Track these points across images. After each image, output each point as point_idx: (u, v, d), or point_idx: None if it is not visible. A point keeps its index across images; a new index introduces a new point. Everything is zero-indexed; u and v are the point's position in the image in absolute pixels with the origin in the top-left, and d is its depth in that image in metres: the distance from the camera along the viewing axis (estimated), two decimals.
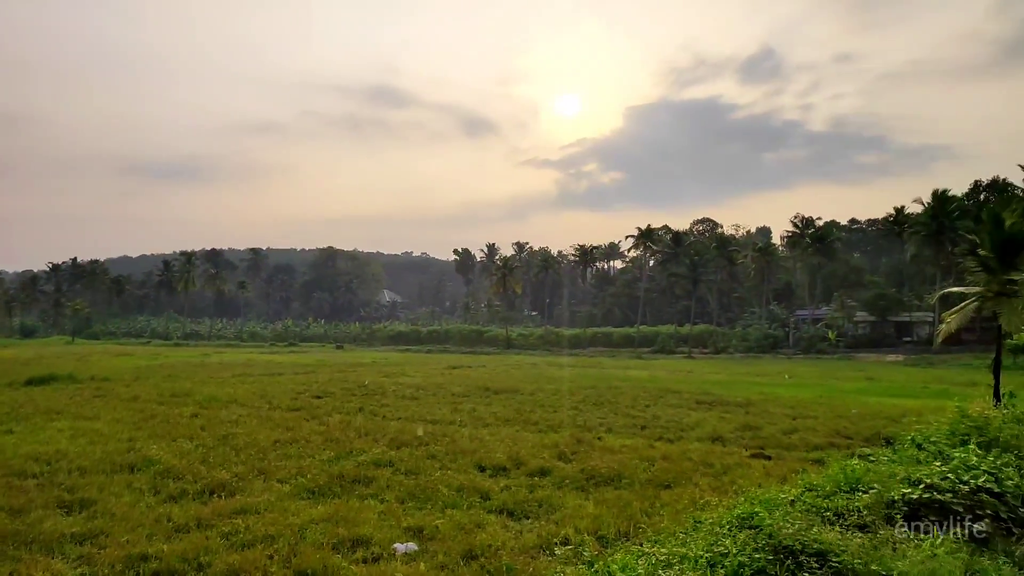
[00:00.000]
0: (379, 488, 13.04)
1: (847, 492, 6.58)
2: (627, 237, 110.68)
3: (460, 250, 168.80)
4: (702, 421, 26.73)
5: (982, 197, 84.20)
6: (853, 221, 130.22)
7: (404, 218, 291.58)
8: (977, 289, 26.67)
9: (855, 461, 8.58)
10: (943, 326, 28.76)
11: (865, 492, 6.16)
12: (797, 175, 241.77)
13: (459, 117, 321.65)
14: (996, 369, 26.00)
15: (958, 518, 5.42)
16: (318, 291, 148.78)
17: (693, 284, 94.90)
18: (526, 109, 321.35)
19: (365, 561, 8.59)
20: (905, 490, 5.75)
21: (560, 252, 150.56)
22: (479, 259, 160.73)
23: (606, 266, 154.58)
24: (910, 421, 19.15)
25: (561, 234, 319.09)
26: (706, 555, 4.25)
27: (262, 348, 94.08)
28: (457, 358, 75.98)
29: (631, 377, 50.50)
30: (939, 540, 4.92)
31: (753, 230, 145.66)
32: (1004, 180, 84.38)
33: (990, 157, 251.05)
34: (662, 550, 4.60)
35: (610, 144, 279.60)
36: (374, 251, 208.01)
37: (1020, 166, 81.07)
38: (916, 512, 5.55)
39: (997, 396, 21.79)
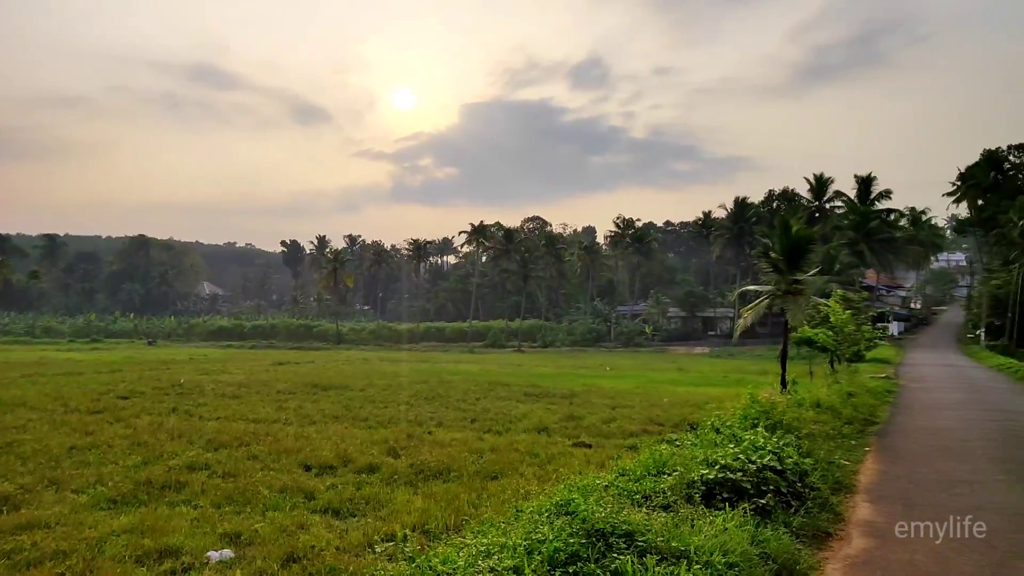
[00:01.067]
0: (192, 493, 12.19)
1: (654, 475, 7.08)
2: (460, 232, 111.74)
3: (288, 241, 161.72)
4: (529, 413, 27.60)
5: (775, 205, 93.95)
6: (668, 223, 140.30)
7: (228, 206, 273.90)
8: (769, 288, 29.72)
9: (663, 446, 9.22)
10: (740, 321, 31.74)
11: (669, 475, 6.68)
12: (620, 179, 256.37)
13: (291, 103, 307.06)
14: (783, 360, 29.12)
15: (747, 495, 6.04)
16: (128, 282, 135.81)
17: (524, 280, 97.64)
18: (361, 99, 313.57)
19: (174, 572, 7.99)
20: (703, 471, 6.31)
21: (394, 246, 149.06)
22: (309, 251, 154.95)
23: (440, 261, 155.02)
24: (712, 408, 21.07)
25: (395, 228, 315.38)
26: (524, 542, 4.39)
27: (59, 345, 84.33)
28: (284, 354, 72.68)
29: (463, 371, 51.01)
30: (730, 515, 5.44)
31: (580, 229, 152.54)
32: (793, 191, 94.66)
33: (784, 169, 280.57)
34: (483, 540, 4.70)
35: (446, 140, 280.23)
36: (193, 240, 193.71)
37: (806, 179, 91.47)
38: (712, 491, 6.11)
39: (784, 383, 24.45)
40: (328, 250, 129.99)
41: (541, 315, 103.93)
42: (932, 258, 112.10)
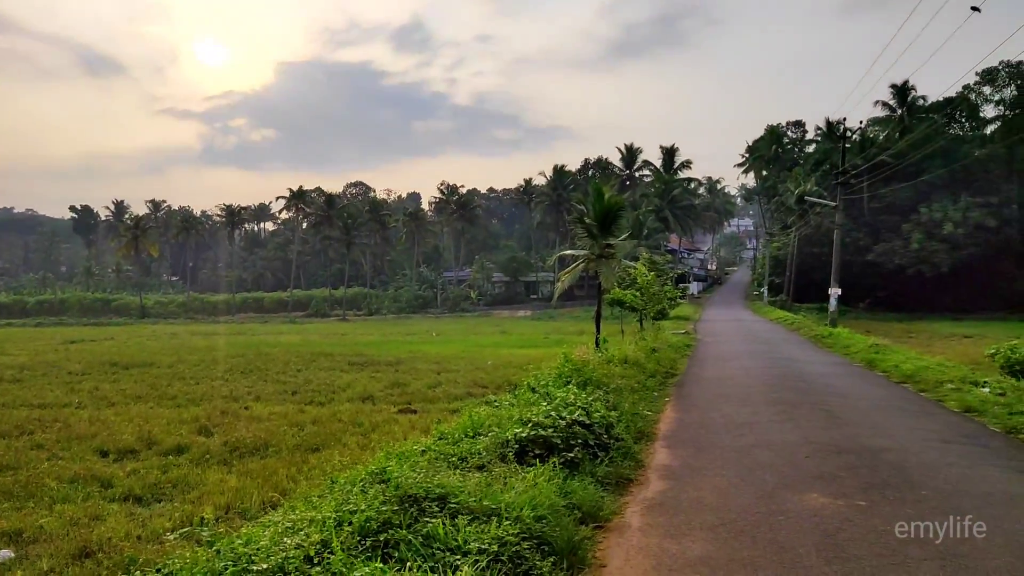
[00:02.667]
0: None
1: (472, 437, 7.24)
2: (278, 198, 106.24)
3: (79, 207, 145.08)
4: (353, 382, 27.20)
5: (590, 173, 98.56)
6: (491, 190, 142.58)
7: (3, 167, 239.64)
8: (584, 252, 31.31)
9: (482, 408, 9.43)
10: (559, 284, 33.18)
11: (486, 435, 6.86)
12: (445, 145, 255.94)
13: (77, 53, 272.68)
14: (597, 320, 30.87)
15: (557, 450, 6.35)
16: None
17: (347, 247, 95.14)
18: (162, 52, 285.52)
19: None
20: (517, 430, 6.54)
21: (204, 212, 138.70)
22: (104, 218, 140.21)
23: (256, 228, 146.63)
24: (532, 368, 22.00)
25: (207, 193, 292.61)
26: (335, 515, 4.30)
27: None
28: (77, 331, 65.73)
29: (283, 343, 49.04)
30: (541, 470, 5.70)
31: (404, 195, 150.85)
32: (606, 160, 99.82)
33: (599, 139, 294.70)
34: (292, 516, 4.54)
35: (261, 100, 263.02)
36: None
37: (618, 148, 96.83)
38: (525, 448, 6.36)
39: (597, 342, 25.96)
40: (127, 216, 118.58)
41: (366, 283, 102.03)
42: (725, 223, 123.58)
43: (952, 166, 64.95)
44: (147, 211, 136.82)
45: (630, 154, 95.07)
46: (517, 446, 6.36)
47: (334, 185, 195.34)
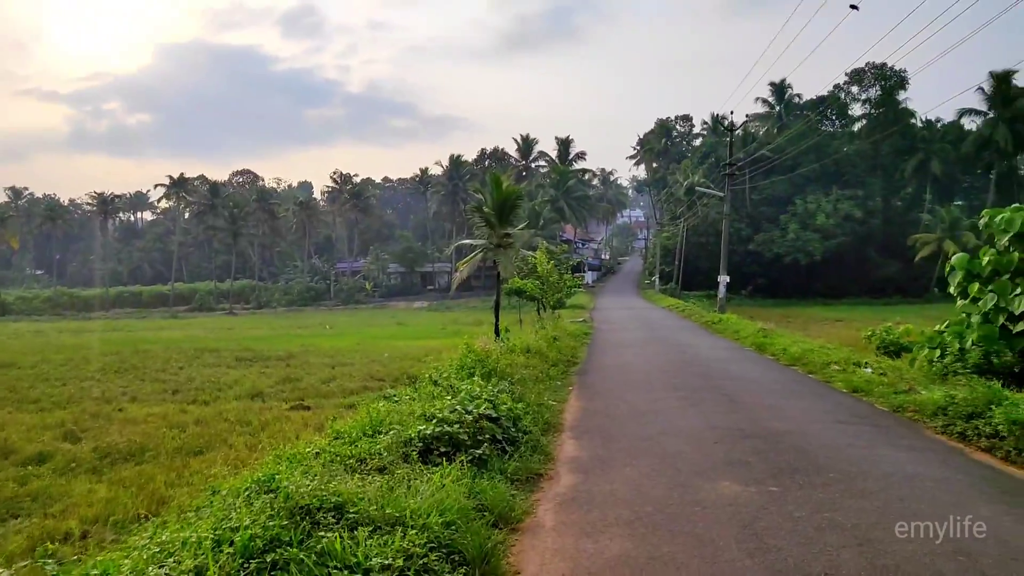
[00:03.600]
0: None
1: (371, 436, 6.72)
2: (156, 186, 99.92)
3: None
4: (241, 379, 25.80)
5: (487, 163, 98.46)
6: (387, 179, 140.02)
7: None
8: (482, 241, 31.02)
9: (381, 403, 8.89)
10: (457, 274, 32.78)
11: (386, 433, 6.36)
12: (338, 134, 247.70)
13: None
14: (496, 310, 30.68)
15: (464, 446, 5.95)
16: None
17: (233, 238, 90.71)
18: (22, 27, 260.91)
19: None
20: (420, 427, 6.09)
21: (73, 201, 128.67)
22: None
23: (133, 218, 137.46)
24: (431, 360, 21.51)
25: (78, 181, 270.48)
26: (213, 534, 3.73)
27: None
28: None
29: (164, 339, 46.17)
30: (447, 470, 5.29)
31: (296, 184, 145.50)
32: (503, 150, 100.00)
33: (496, 130, 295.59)
34: (161, 536, 3.92)
35: (138, 83, 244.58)
36: None
37: (514, 139, 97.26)
38: (430, 446, 5.93)
39: (497, 332, 25.74)
40: None
41: (255, 275, 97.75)
42: (618, 214, 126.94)
43: (823, 161, 69.24)
44: (6, 199, 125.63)
45: (526, 145, 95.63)
46: (421, 444, 5.91)
47: (220, 173, 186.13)
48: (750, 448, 6.98)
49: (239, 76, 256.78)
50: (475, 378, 8.93)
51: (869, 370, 12.92)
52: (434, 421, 6.16)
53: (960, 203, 77.48)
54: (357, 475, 5.21)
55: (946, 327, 12.91)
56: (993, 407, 7.48)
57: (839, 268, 75.24)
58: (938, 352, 12.34)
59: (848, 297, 72.01)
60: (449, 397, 7.28)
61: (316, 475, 4.92)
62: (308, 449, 5.97)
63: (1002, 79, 69.48)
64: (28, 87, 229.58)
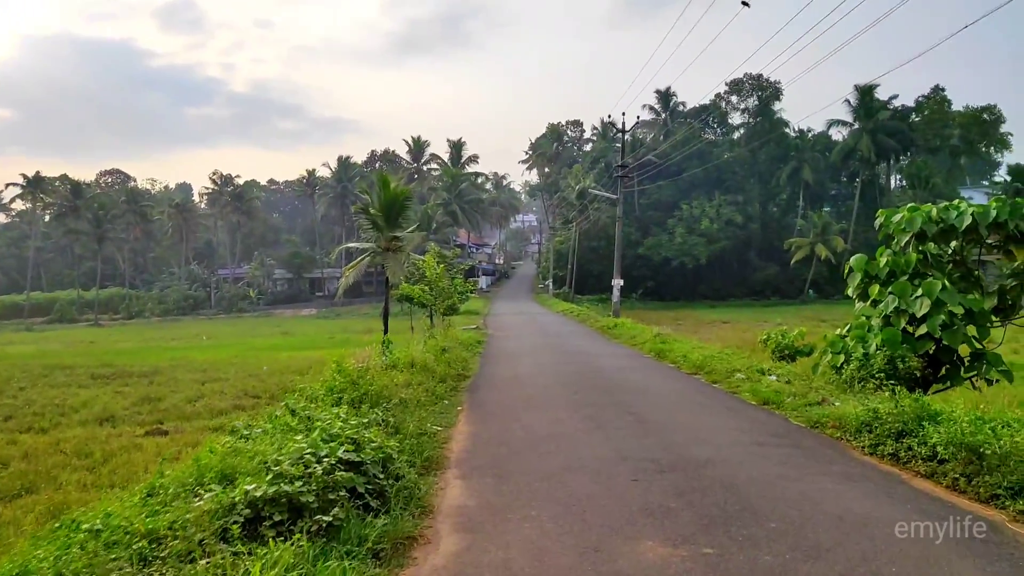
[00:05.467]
0: None
1: (194, 493, 5.13)
2: (8, 186, 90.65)
3: None
4: (92, 400, 22.91)
5: (377, 165, 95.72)
6: (272, 181, 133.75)
7: None
8: (369, 245, 29.22)
9: (225, 439, 7.23)
10: (342, 280, 30.81)
11: (210, 494, 4.78)
12: (221, 135, 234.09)
13: None
14: (385, 318, 28.96)
15: (309, 511, 4.44)
16: None
17: (99, 242, 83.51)
18: None
19: None
20: (248, 487, 4.54)
21: None
22: None
23: None
24: (314, 373, 19.62)
25: None
26: None
27: None
28: None
29: (11, 355, 41.38)
30: (278, 552, 3.81)
31: (173, 186, 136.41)
32: (394, 152, 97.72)
33: (388, 135, 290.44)
34: None
35: None
36: None
37: (405, 141, 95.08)
38: (260, 514, 4.40)
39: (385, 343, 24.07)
40: None
41: (125, 282, 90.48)
42: (511, 219, 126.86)
43: (706, 166, 71.44)
44: None
45: (417, 147, 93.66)
46: (249, 511, 4.36)
47: (88, 174, 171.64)
48: (671, 487, 5.84)
49: (110, 71, 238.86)
50: (342, 405, 7.42)
51: (774, 378, 12.32)
52: (269, 476, 4.62)
53: (828, 209, 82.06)
54: (145, 572, 3.63)
55: (847, 331, 12.46)
56: (925, 424, 6.74)
57: (722, 271, 77.96)
58: (842, 358, 11.85)
59: (731, 299, 74.70)
60: (300, 436, 5.73)
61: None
62: (88, 524, 4.30)
63: (866, 92, 74.08)
64: None
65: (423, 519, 5.29)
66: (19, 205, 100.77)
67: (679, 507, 5.26)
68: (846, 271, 13.21)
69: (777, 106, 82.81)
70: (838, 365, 11.99)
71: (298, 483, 4.51)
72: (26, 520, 11.03)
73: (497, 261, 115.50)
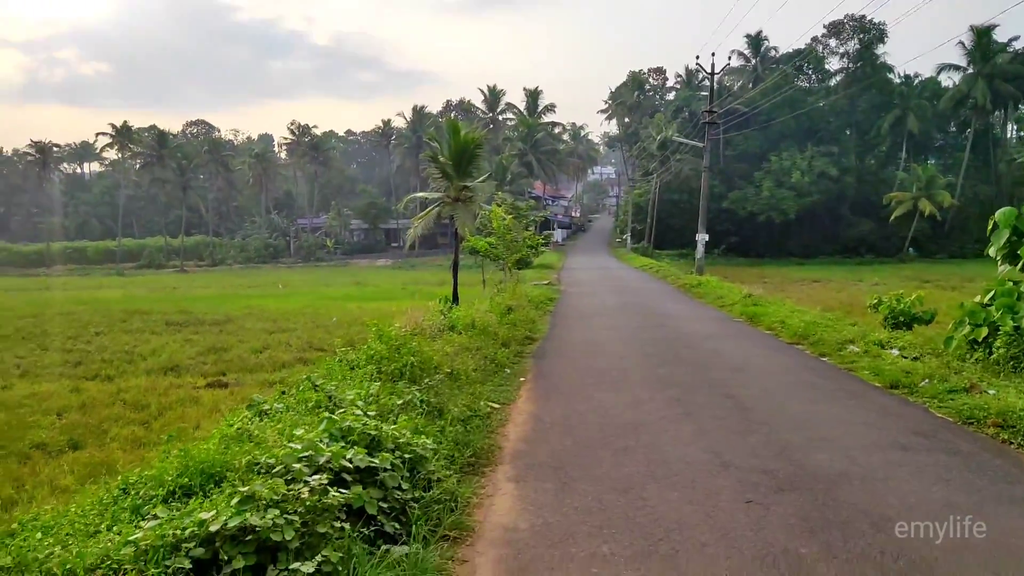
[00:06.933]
0: None
1: (177, 498, 3.98)
2: (99, 135, 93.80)
3: None
4: (162, 347, 22.81)
5: (452, 115, 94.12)
6: (349, 132, 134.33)
7: None
8: (438, 195, 27.95)
9: (243, 415, 6.10)
10: (411, 231, 29.72)
11: (216, 489, 3.58)
12: (304, 87, 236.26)
13: None
14: (454, 271, 27.75)
15: (286, 554, 3.13)
16: None
17: (183, 191, 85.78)
18: None
19: None
20: (204, 514, 3.25)
21: (17, 151, 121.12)
22: None
23: (80, 170, 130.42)
24: (384, 324, 18.71)
25: (33, 133, 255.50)
26: None
27: None
28: None
29: (97, 299, 42.62)
30: None
31: (255, 137, 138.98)
32: (469, 102, 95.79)
33: (462, 84, 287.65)
34: None
35: (93, 30, 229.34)
36: None
37: (480, 90, 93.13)
38: (217, 556, 3.13)
39: (455, 297, 22.91)
40: None
41: (209, 231, 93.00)
42: (589, 171, 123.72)
43: (797, 113, 66.72)
44: None
45: (493, 96, 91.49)
46: (202, 550, 3.09)
47: (176, 125, 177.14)
48: (796, 518, 4.27)
49: (199, 25, 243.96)
50: (373, 382, 6.13)
51: (896, 352, 10.38)
52: (235, 500, 3.30)
53: (933, 161, 75.79)
54: None
55: (990, 298, 10.35)
56: None
57: (812, 227, 73.40)
58: (984, 331, 9.82)
59: (821, 256, 70.41)
60: (304, 429, 4.44)
61: None
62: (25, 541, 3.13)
63: (982, 33, 67.16)
64: None
65: (457, 547, 3.95)
66: (112, 155, 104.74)
67: (815, 557, 3.70)
68: (989, 227, 11.03)
69: (880, 50, 76.19)
70: (979, 339, 9.99)
71: (272, 512, 3.19)
72: (64, 479, 10.49)
73: (573, 214, 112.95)
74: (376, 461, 4.04)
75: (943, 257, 66.15)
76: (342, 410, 5.00)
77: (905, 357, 9.83)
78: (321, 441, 4.10)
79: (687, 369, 9.44)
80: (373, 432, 4.39)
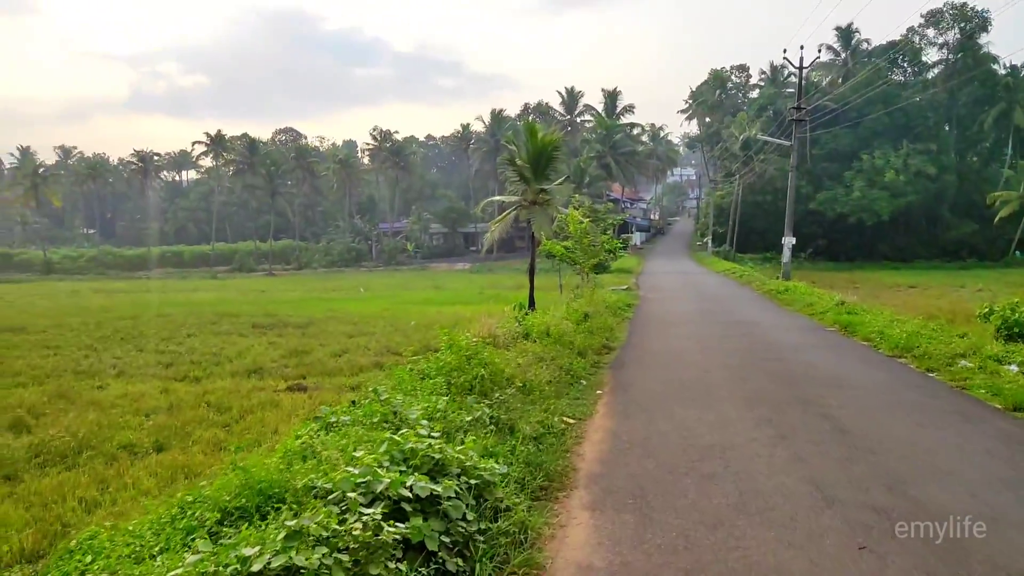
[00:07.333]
0: None
1: (226, 520, 3.79)
2: (195, 143, 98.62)
3: None
4: (248, 349, 23.41)
5: (530, 117, 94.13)
6: (430, 137, 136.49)
7: None
8: (514, 198, 27.72)
9: (308, 427, 5.93)
10: (488, 234, 29.61)
11: (273, 512, 3.37)
12: (386, 93, 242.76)
13: None
14: (531, 275, 27.44)
15: None
16: None
17: (271, 196, 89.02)
18: None
19: None
20: (247, 550, 2.96)
21: (122, 160, 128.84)
22: (9, 166, 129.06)
23: (178, 177, 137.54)
24: (459, 330, 18.60)
25: (137, 142, 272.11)
26: None
27: None
28: None
29: (192, 301, 44.49)
30: None
31: (339, 143, 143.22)
32: (547, 104, 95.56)
33: (540, 89, 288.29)
34: None
35: (192, 44, 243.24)
36: None
37: (558, 92, 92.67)
38: None
39: (531, 302, 22.60)
40: (38, 165, 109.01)
41: (295, 235, 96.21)
42: (668, 172, 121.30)
43: (891, 109, 63.34)
44: (57, 158, 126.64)
45: (571, 98, 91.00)
46: None
47: (266, 133, 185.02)
48: (919, 569, 3.70)
49: (287, 36, 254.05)
50: (441, 396, 5.85)
51: (1015, 369, 9.40)
52: (281, 535, 3.03)
53: None
54: None
55: None
56: None
57: (907, 229, 69.51)
58: None
59: (917, 260, 66.54)
60: (363, 450, 4.18)
61: None
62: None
63: None
64: (89, 48, 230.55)
65: None
66: (207, 163, 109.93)
67: None
68: None
69: (984, 39, 71.53)
70: None
71: (322, 550, 2.92)
72: (146, 482, 10.71)
73: (652, 216, 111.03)
74: (439, 489, 3.73)
75: None
76: (404, 430, 4.72)
77: (1021, 372, 8.86)
78: (381, 465, 3.82)
79: (776, 384, 8.77)
80: (437, 455, 4.08)
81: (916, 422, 6.90)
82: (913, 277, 53.41)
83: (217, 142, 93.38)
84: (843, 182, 68.28)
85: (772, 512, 4.54)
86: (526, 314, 14.24)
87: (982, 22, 70.38)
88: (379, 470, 3.68)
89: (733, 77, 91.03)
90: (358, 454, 4.02)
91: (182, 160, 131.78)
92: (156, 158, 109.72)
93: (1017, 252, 64.41)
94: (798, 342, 12.87)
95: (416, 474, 3.77)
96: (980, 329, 14.62)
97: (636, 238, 79.05)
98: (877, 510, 4.51)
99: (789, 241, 30.30)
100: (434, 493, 3.70)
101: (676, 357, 11.26)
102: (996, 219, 62.03)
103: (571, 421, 7.08)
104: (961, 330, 14.04)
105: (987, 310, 14.45)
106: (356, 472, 3.61)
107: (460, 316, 28.14)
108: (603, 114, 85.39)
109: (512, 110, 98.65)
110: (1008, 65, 72.40)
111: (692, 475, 5.35)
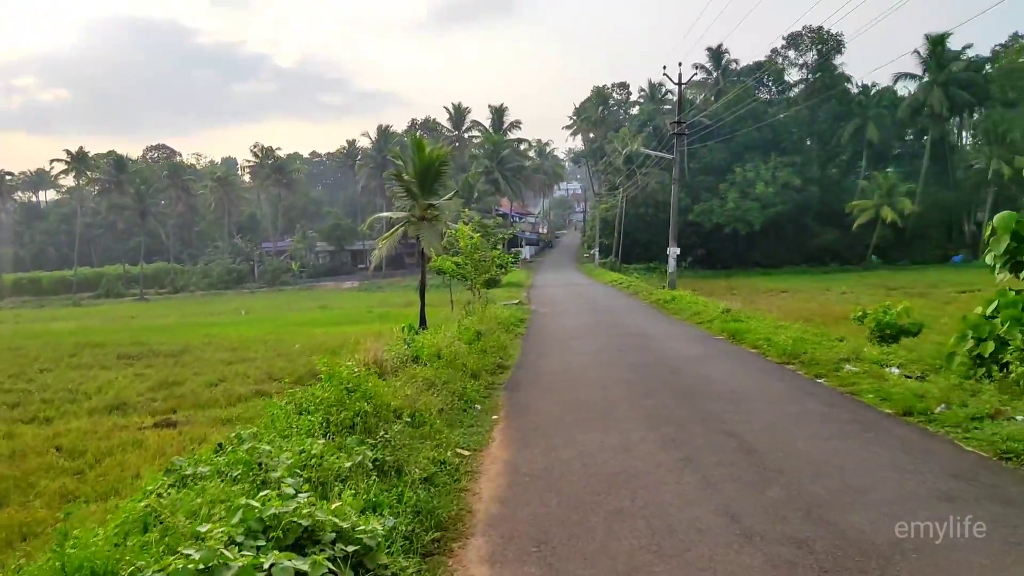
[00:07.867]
0: None
1: None
2: (53, 162, 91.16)
3: None
4: (110, 383, 21.35)
5: (418, 133, 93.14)
6: (315, 154, 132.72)
7: None
8: (402, 214, 26.93)
9: (158, 483, 5.03)
10: (376, 252, 28.63)
11: None
12: (268, 109, 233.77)
13: None
14: (421, 292, 26.67)
15: None
16: None
17: (141, 216, 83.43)
18: None
19: None
20: None
21: None
22: None
23: (35, 198, 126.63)
24: (347, 352, 17.58)
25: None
26: None
27: None
28: None
29: (49, 331, 40.67)
30: None
31: (218, 160, 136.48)
32: (434, 120, 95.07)
33: (428, 104, 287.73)
34: None
35: (53, 57, 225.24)
36: None
37: (446, 108, 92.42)
38: None
39: (423, 320, 21.86)
40: None
41: (170, 257, 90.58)
42: (555, 187, 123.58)
43: (760, 125, 67.21)
44: None
45: (458, 114, 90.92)
46: None
47: (138, 151, 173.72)
48: None
49: (162, 50, 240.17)
50: (315, 438, 5.12)
51: (897, 371, 9.64)
52: None
53: (892, 169, 76.81)
54: None
55: (993, 310, 9.68)
56: None
57: (776, 237, 73.75)
58: (991, 346, 9.12)
59: (787, 266, 70.73)
60: (219, 513, 3.44)
61: None
62: None
63: (937, 42, 68.49)
64: None
65: None
66: (69, 182, 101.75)
67: None
68: (987, 232, 10.40)
69: (839, 60, 77.53)
70: (985, 355, 9.29)
71: None
72: None
73: (541, 230, 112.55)
74: (305, 567, 3.04)
75: (905, 263, 66.89)
76: (266, 491, 3.98)
77: (908, 376, 9.09)
78: (234, 541, 3.10)
79: (677, 400, 8.55)
80: (305, 522, 3.39)
81: (819, 435, 6.76)
82: (784, 282, 56.53)
83: (79, 159, 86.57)
84: (718, 194, 71.68)
85: (689, 553, 4.13)
86: (416, 333, 13.55)
87: (836, 44, 76.04)
88: (229, 549, 2.97)
89: (615, 94, 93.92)
90: (203, 528, 3.28)
91: (40, 180, 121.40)
92: (9, 178, 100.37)
93: (874, 256, 69.61)
94: (691, 353, 12.87)
95: (276, 551, 3.08)
96: (855, 331, 15.26)
97: (525, 252, 79.66)
98: (799, 543, 4.19)
99: (674, 251, 31.11)
100: (300, 572, 3.02)
101: (572, 375, 10.92)
102: (855, 226, 66.84)
103: (466, 453, 6.50)
104: (839, 333, 14.56)
105: (860, 313, 15.08)
106: (196, 557, 2.87)
107: (348, 337, 26.95)
108: (491, 130, 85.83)
109: (400, 126, 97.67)
110: (860, 84, 78.62)
111: (599, 511, 4.88)
